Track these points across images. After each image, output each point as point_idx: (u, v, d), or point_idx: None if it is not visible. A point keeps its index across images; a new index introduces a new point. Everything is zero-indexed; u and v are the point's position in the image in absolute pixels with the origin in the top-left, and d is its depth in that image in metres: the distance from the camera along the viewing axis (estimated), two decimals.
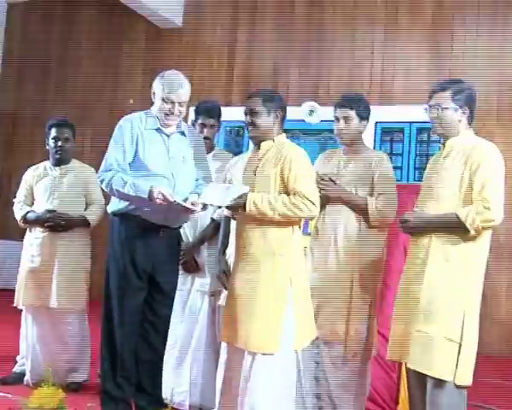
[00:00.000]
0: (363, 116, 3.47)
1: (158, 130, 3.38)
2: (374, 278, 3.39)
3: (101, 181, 3.33)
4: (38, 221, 4.17)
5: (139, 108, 9.02)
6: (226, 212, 3.43)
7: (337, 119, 3.48)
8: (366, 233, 3.33)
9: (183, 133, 3.46)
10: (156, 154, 3.34)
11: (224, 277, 3.40)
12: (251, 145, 3.51)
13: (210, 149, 3.93)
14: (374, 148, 4.93)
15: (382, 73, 7.52)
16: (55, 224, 4.12)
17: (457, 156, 2.95)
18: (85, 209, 4.31)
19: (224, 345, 3.25)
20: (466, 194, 2.90)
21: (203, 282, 3.74)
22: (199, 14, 8.60)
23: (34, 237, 4.21)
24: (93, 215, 4.28)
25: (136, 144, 3.32)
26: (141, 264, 3.32)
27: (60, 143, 4.27)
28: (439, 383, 2.84)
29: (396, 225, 3.24)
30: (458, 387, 2.85)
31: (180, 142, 3.44)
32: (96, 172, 4.31)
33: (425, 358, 2.84)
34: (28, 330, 4.19)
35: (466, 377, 2.84)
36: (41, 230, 4.18)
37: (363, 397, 3.35)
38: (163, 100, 3.33)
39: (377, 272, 3.41)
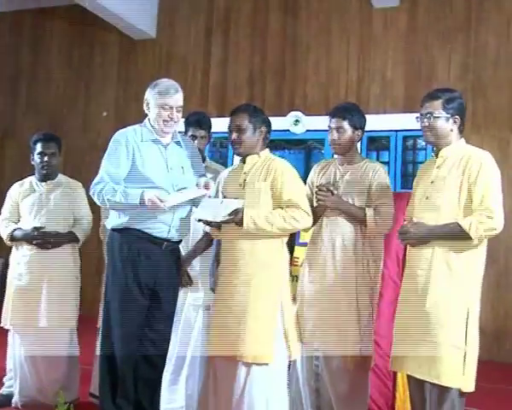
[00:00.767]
0: (357, 126, 3.47)
1: (154, 141, 3.34)
2: (372, 288, 3.39)
3: (93, 194, 3.26)
4: (26, 239, 4.09)
5: (113, 120, 9.09)
6: (207, 228, 3.40)
7: (330, 129, 3.48)
8: (363, 244, 3.33)
9: (178, 143, 3.43)
10: (155, 165, 3.29)
11: None
12: (236, 158, 3.51)
13: (202, 159, 3.89)
14: None
15: (358, 82, 7.59)
16: (44, 241, 4.04)
17: (453, 166, 2.98)
18: (73, 225, 4.22)
19: (207, 358, 3.27)
20: (466, 204, 2.93)
21: (196, 296, 3.70)
22: (173, 25, 8.58)
23: (21, 255, 4.12)
24: (81, 231, 4.20)
25: (133, 158, 3.27)
26: (144, 279, 3.25)
27: (46, 159, 4.18)
28: (444, 391, 2.86)
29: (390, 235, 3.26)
30: (463, 394, 2.88)
31: (177, 152, 3.40)
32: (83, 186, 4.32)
33: (433, 367, 2.86)
34: (16, 350, 4.10)
35: (471, 384, 2.88)
36: (29, 247, 4.09)
37: (363, 407, 3.34)
38: (161, 107, 3.28)
39: (375, 283, 3.42)
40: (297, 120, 6.35)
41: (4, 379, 4.24)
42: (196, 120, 3.89)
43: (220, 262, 3.30)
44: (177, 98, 3.29)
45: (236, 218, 3.08)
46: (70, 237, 4.15)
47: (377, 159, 4.97)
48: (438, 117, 3.01)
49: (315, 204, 3.49)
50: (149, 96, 3.33)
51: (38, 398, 4.09)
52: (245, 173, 3.26)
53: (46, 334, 4.03)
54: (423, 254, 2.99)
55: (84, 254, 4.45)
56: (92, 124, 8.93)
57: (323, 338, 3.34)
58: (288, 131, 6.17)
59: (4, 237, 4.18)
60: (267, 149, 3.35)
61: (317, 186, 3.49)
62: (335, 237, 3.39)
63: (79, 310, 4.23)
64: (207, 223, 3.24)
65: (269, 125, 3.37)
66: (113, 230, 3.34)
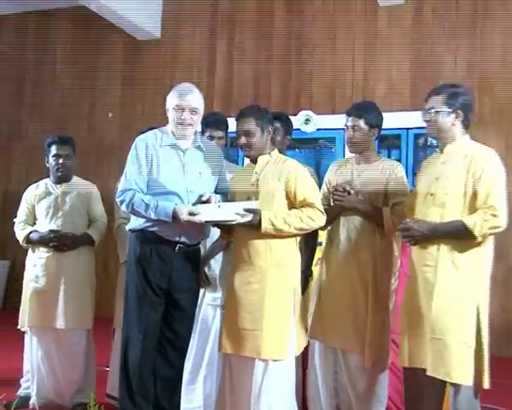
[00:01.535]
0: (373, 124, 3.48)
1: (173, 146, 3.34)
2: (388, 286, 3.40)
3: (122, 202, 3.28)
4: (42, 241, 4.10)
5: (118, 121, 9.10)
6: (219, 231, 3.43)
7: (347, 128, 3.49)
8: (381, 242, 3.34)
9: (199, 148, 3.42)
10: (171, 170, 3.30)
11: None
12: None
13: None
14: None
15: (364, 80, 7.60)
16: (60, 244, 4.06)
17: (458, 163, 3.00)
18: (88, 226, 4.24)
19: (218, 356, 3.35)
20: (471, 201, 2.96)
21: (214, 296, 3.71)
22: (177, 25, 8.57)
23: (38, 258, 4.14)
24: (97, 233, 4.23)
25: (151, 163, 3.29)
26: (155, 280, 3.27)
27: (61, 161, 4.21)
28: (458, 387, 2.89)
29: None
30: (477, 390, 2.90)
31: (196, 157, 3.39)
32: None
33: (443, 364, 2.88)
34: (33, 352, 4.11)
35: (485, 380, 2.89)
36: (45, 250, 4.11)
37: (382, 406, 3.35)
38: (174, 109, 3.31)
39: (391, 282, 3.43)
40: (307, 119, 6.34)
41: (21, 381, 4.25)
42: (214, 121, 3.89)
43: (234, 259, 3.32)
44: (190, 99, 3.30)
45: (254, 220, 3.10)
46: (86, 239, 4.18)
47: (388, 157, 4.99)
48: (439, 112, 3.04)
49: (332, 203, 3.50)
50: (168, 101, 3.37)
51: (56, 400, 4.12)
52: (257, 173, 3.28)
53: (63, 335, 4.06)
54: (429, 250, 3.01)
55: (96, 255, 4.45)
56: (97, 125, 8.93)
57: (342, 337, 3.37)
58: (299, 130, 6.15)
59: (21, 239, 4.19)
60: (276, 149, 3.38)
61: (333, 186, 3.51)
62: (352, 237, 3.40)
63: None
64: (221, 225, 3.27)
65: (273, 124, 3.40)
66: (131, 231, 3.40)
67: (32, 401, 4.09)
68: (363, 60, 7.63)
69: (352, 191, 3.41)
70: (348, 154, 3.80)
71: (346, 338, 3.36)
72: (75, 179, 4.34)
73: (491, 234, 2.91)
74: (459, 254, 2.93)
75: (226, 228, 3.29)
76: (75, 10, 8.89)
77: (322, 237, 3.68)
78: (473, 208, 2.93)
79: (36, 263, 4.14)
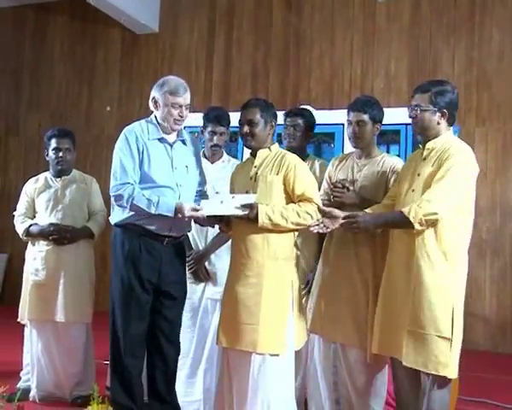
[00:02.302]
0: (377, 119, 3.48)
1: (161, 140, 3.37)
2: None
3: (119, 196, 3.25)
4: (42, 234, 4.10)
5: (116, 115, 9.09)
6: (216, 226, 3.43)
7: (350, 123, 3.48)
8: (380, 237, 3.33)
9: (183, 141, 3.47)
10: (161, 164, 3.33)
11: None
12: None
13: (220, 156, 3.94)
14: None
15: (362, 76, 7.61)
16: (60, 237, 4.06)
17: (433, 159, 3.05)
18: (88, 220, 4.25)
19: (218, 350, 3.35)
20: None
21: (214, 290, 3.71)
22: (175, 19, 8.57)
23: (38, 251, 4.14)
24: (96, 226, 4.23)
25: (142, 155, 3.31)
26: (146, 275, 3.30)
27: (61, 154, 4.20)
28: (433, 378, 2.96)
29: None
30: (447, 380, 2.96)
31: (183, 150, 3.45)
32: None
33: (420, 355, 2.94)
34: (33, 345, 4.12)
35: (454, 372, 2.96)
36: (45, 243, 4.11)
37: (381, 400, 3.37)
38: (171, 106, 3.32)
39: None
40: None
41: (21, 374, 4.26)
42: (215, 116, 3.86)
43: (231, 254, 3.32)
44: (186, 97, 3.35)
45: (251, 214, 3.10)
46: (85, 233, 4.18)
47: (387, 152, 5.00)
48: (425, 110, 3.07)
49: (332, 199, 3.49)
50: (157, 94, 3.35)
51: (56, 392, 4.14)
52: (256, 167, 3.28)
53: (63, 329, 4.07)
54: (404, 242, 3.05)
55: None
56: (95, 119, 8.93)
57: (342, 332, 3.37)
58: None
59: (20, 232, 4.19)
60: (277, 144, 3.38)
61: (332, 183, 3.51)
62: (352, 232, 3.36)
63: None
64: (218, 218, 3.26)
65: (276, 119, 3.39)
66: (117, 225, 3.38)
67: (32, 393, 4.10)
68: (361, 55, 7.64)
69: (351, 188, 3.41)
70: (347, 149, 3.79)
71: (346, 333, 3.36)
72: (75, 173, 4.33)
73: (428, 221, 2.90)
74: (434, 247, 2.95)
75: (225, 221, 3.29)
76: (73, 4, 8.89)
77: None
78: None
79: (36, 256, 4.14)
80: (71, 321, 4.06)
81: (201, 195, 3.50)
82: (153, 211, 3.20)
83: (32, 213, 4.24)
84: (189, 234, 3.68)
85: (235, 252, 3.27)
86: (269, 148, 3.30)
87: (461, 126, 6.78)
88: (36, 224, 4.16)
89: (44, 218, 4.15)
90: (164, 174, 3.31)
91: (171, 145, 3.39)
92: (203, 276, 3.73)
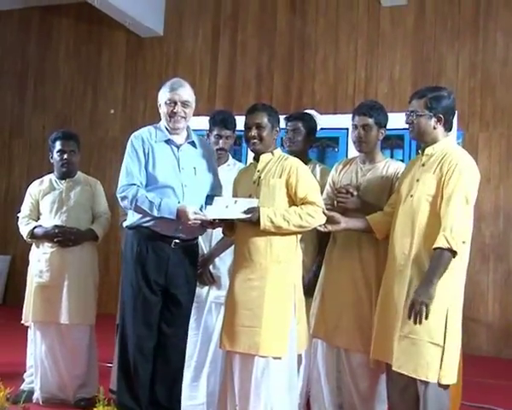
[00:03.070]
0: (382, 124, 3.48)
1: (168, 141, 3.41)
2: None
3: (124, 197, 3.31)
4: (47, 236, 4.11)
5: (120, 117, 9.12)
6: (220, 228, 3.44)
7: (355, 127, 3.47)
8: (383, 242, 3.31)
9: (193, 144, 3.48)
10: (166, 165, 3.36)
11: None
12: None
13: (226, 159, 3.94)
14: None
15: (366, 80, 7.62)
16: (65, 239, 4.07)
17: (432, 165, 3.04)
18: (92, 222, 4.26)
19: (222, 353, 3.33)
20: (439, 205, 2.98)
21: (219, 294, 3.71)
22: (180, 22, 8.60)
23: (42, 253, 4.14)
24: (100, 229, 4.24)
25: (147, 157, 3.35)
26: (153, 276, 3.32)
27: (66, 156, 4.21)
28: (426, 384, 2.93)
29: None
30: (443, 386, 2.93)
31: (191, 153, 3.46)
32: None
33: (411, 361, 2.92)
34: (37, 347, 4.12)
35: (450, 377, 2.93)
36: (49, 245, 4.11)
37: (383, 404, 3.36)
38: (166, 103, 3.37)
39: None
40: None
41: (24, 375, 4.26)
42: (221, 120, 3.86)
43: (234, 257, 3.34)
44: (181, 93, 3.36)
45: (253, 217, 3.11)
46: (90, 235, 4.19)
47: (391, 157, 4.99)
48: (420, 115, 3.07)
49: (335, 203, 3.49)
50: (159, 96, 3.43)
51: (59, 395, 4.14)
52: (259, 171, 3.29)
53: (66, 331, 4.07)
54: (401, 248, 3.05)
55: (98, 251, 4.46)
56: (100, 121, 8.96)
57: (345, 335, 3.36)
58: None
59: (25, 234, 4.19)
60: (279, 148, 3.40)
61: (336, 188, 3.50)
62: (355, 236, 3.38)
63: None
64: (221, 221, 3.28)
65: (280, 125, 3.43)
66: (128, 228, 3.44)
67: (36, 395, 4.10)
68: (365, 59, 7.65)
69: (354, 193, 3.41)
70: (351, 153, 3.79)
71: (349, 337, 3.35)
72: (79, 175, 4.35)
73: (465, 241, 2.92)
74: (430, 253, 2.94)
75: (228, 225, 3.31)
76: (78, 6, 8.91)
77: None
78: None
79: (40, 258, 4.14)
80: (74, 323, 4.06)
81: (211, 199, 3.45)
82: (155, 213, 3.23)
83: (36, 215, 4.25)
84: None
85: (238, 255, 3.27)
86: (272, 152, 3.32)
87: (464, 131, 6.78)
88: (40, 226, 4.16)
89: (49, 220, 4.15)
90: (168, 174, 3.33)
91: (178, 147, 3.41)
92: (208, 279, 3.73)
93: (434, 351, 2.88)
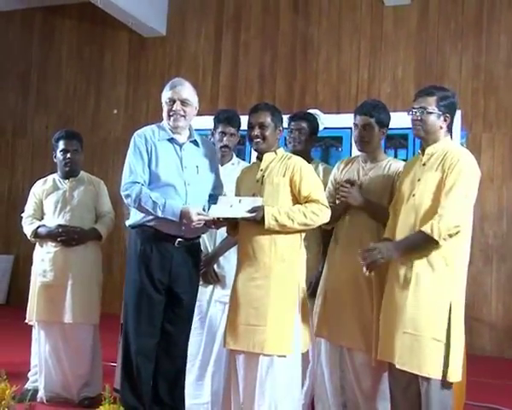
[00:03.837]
0: (383, 124, 3.47)
1: (170, 140, 3.42)
2: None
3: (127, 196, 3.32)
4: (50, 236, 4.11)
5: (123, 117, 9.12)
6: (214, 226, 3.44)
7: (357, 126, 3.47)
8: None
9: (196, 143, 3.50)
10: (169, 164, 3.38)
11: None
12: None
13: (230, 158, 3.95)
14: None
15: (369, 80, 7.61)
16: (68, 238, 4.07)
17: (434, 164, 3.05)
18: (96, 221, 4.27)
19: (226, 352, 3.33)
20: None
21: (223, 293, 3.71)
22: (183, 22, 8.60)
23: (46, 252, 4.15)
24: (104, 228, 4.24)
25: (150, 156, 3.36)
26: (157, 275, 3.33)
27: (69, 156, 4.22)
28: (429, 381, 2.93)
29: None
30: (447, 384, 2.93)
31: (193, 151, 3.48)
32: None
33: (414, 358, 2.92)
34: (41, 346, 4.13)
35: (455, 374, 2.93)
36: (53, 244, 4.12)
37: (387, 403, 3.36)
38: (165, 102, 3.40)
39: None
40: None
41: (29, 375, 4.27)
42: (226, 117, 3.88)
43: (238, 256, 3.33)
44: (180, 91, 3.38)
45: (258, 216, 3.11)
46: (93, 234, 4.19)
47: (395, 157, 4.99)
48: (430, 113, 3.07)
49: (337, 201, 3.50)
50: (162, 97, 3.46)
51: (63, 394, 4.15)
52: (262, 170, 3.30)
53: (70, 330, 4.08)
54: None
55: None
56: (102, 121, 8.96)
57: (347, 335, 3.36)
58: None
59: (29, 233, 4.19)
60: (282, 148, 3.41)
61: (338, 183, 3.52)
62: (357, 235, 3.40)
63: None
64: (225, 220, 3.28)
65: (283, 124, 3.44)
66: (131, 227, 3.45)
67: (40, 394, 4.11)
68: (368, 59, 7.65)
69: (358, 182, 3.43)
70: (354, 153, 3.79)
71: (352, 336, 3.35)
72: (83, 174, 4.36)
73: (451, 235, 2.91)
74: (434, 252, 2.95)
75: (232, 224, 3.32)
76: (81, 6, 8.92)
77: None
78: None
79: (44, 258, 4.15)
80: (78, 322, 4.06)
81: (214, 199, 3.47)
82: (159, 214, 3.24)
83: (40, 214, 4.25)
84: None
85: (242, 254, 3.28)
86: (275, 151, 3.33)
87: (468, 132, 6.78)
88: (44, 225, 4.17)
89: (53, 219, 4.16)
90: (171, 173, 3.35)
91: (181, 146, 3.43)
92: (212, 278, 3.73)
93: (437, 347, 2.89)
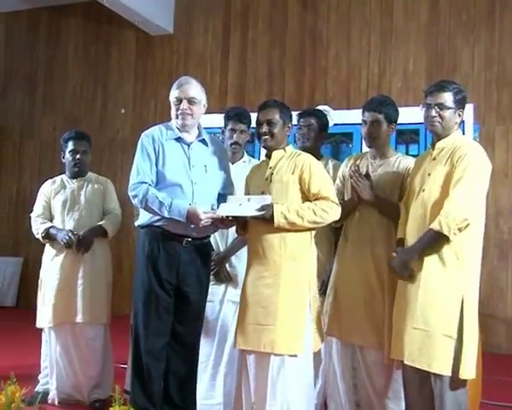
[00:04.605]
0: (392, 119, 3.44)
1: (178, 139, 3.41)
2: None
3: (134, 196, 3.31)
4: (59, 240, 4.11)
5: (131, 117, 9.10)
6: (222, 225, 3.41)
7: (365, 122, 3.45)
8: (396, 238, 3.26)
9: (204, 142, 3.47)
10: (176, 163, 3.36)
11: None
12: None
13: (241, 156, 3.92)
14: None
15: (379, 75, 7.54)
16: (78, 249, 4.06)
17: (443, 158, 3.02)
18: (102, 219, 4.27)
19: (237, 352, 3.30)
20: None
21: (235, 292, 3.66)
22: (190, 20, 8.56)
23: (55, 254, 4.15)
24: (109, 224, 4.22)
25: (158, 155, 3.35)
26: (164, 275, 3.31)
27: (78, 156, 4.24)
28: (442, 379, 2.89)
29: None
30: (461, 382, 2.89)
31: (202, 151, 3.46)
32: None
33: (423, 355, 2.89)
34: (52, 348, 4.12)
35: (468, 371, 2.88)
36: (61, 245, 4.10)
37: (401, 402, 3.31)
38: (172, 102, 3.39)
39: None
40: None
41: (39, 377, 4.25)
42: (236, 114, 3.87)
43: (248, 254, 3.32)
44: (187, 89, 3.36)
45: (267, 214, 3.09)
46: (98, 231, 4.16)
47: (406, 152, 4.95)
48: (448, 108, 3.04)
49: (346, 197, 3.51)
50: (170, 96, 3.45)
51: (74, 395, 4.15)
52: (271, 168, 3.28)
53: (80, 330, 4.08)
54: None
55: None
56: (110, 121, 8.93)
57: (359, 333, 3.33)
58: None
59: (40, 232, 4.17)
60: (291, 145, 3.40)
61: (350, 167, 3.50)
62: (368, 232, 3.37)
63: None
64: (234, 219, 3.25)
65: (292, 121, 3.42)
66: (140, 227, 3.45)
67: (52, 395, 4.10)
68: (378, 54, 7.58)
69: (370, 177, 3.41)
70: (365, 149, 3.77)
71: (364, 334, 3.32)
72: (90, 175, 4.37)
73: (461, 228, 2.87)
74: (444, 247, 2.92)
75: (241, 223, 3.29)
76: (87, 6, 8.90)
77: None
78: None
79: (53, 258, 4.15)
80: (88, 322, 4.06)
81: (224, 198, 3.45)
82: (165, 214, 3.23)
83: (48, 214, 4.25)
84: (211, 236, 3.65)
85: (252, 253, 3.26)
86: (284, 149, 3.31)
87: (481, 125, 6.68)
88: (55, 227, 4.16)
89: (61, 219, 4.17)
90: (177, 172, 3.33)
91: (189, 145, 3.41)
92: (225, 277, 3.72)
93: (448, 344, 2.85)
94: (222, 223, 3.29)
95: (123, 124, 8.80)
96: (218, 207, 3.32)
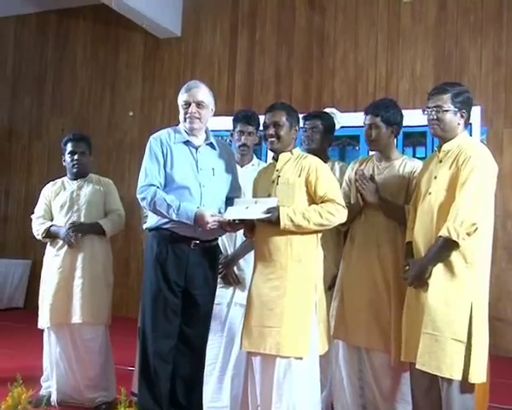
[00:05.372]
0: (391, 122, 3.44)
1: (186, 143, 3.42)
2: None
3: (143, 198, 3.33)
4: (59, 235, 4.14)
5: (139, 119, 9.11)
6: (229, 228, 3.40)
7: (365, 126, 3.47)
8: (402, 240, 3.28)
9: (212, 145, 3.48)
10: (184, 166, 3.37)
11: None
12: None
13: (250, 159, 3.94)
14: None
15: (387, 77, 7.52)
16: (74, 231, 4.07)
17: (449, 161, 3.02)
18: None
19: (244, 354, 3.30)
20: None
21: (243, 295, 3.64)
22: (198, 22, 8.56)
23: (54, 254, 4.18)
24: (108, 223, 4.22)
25: (166, 158, 3.36)
26: (173, 277, 3.32)
27: (76, 157, 4.27)
28: (450, 382, 2.89)
29: None
30: (469, 386, 2.89)
31: (210, 154, 3.47)
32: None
33: (433, 359, 2.88)
34: (52, 349, 4.14)
35: (478, 375, 2.87)
36: (61, 245, 4.15)
37: (407, 404, 3.31)
38: (181, 105, 3.41)
39: None
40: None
41: (41, 380, 4.25)
42: (244, 116, 3.89)
43: (254, 257, 3.32)
44: (195, 93, 3.38)
45: (273, 217, 3.10)
46: (95, 229, 4.17)
47: (413, 155, 4.93)
48: (447, 110, 3.04)
49: (352, 200, 3.51)
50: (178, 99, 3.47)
51: (74, 395, 4.15)
52: (277, 170, 3.29)
53: (78, 331, 4.08)
54: (424, 247, 3.01)
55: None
56: (118, 123, 8.95)
57: (365, 335, 3.34)
58: None
59: (40, 232, 4.20)
60: (298, 147, 3.40)
61: (356, 172, 3.51)
62: (374, 235, 3.38)
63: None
64: (241, 222, 3.25)
65: (299, 124, 3.43)
66: (148, 229, 3.46)
67: (53, 397, 4.10)
68: (385, 56, 7.55)
69: (376, 180, 3.41)
70: (372, 152, 3.78)
71: (370, 336, 3.33)
72: (91, 176, 4.38)
73: (469, 233, 2.87)
74: (455, 252, 2.91)
75: (249, 226, 3.29)
76: (95, 9, 8.91)
77: None
78: None
79: (52, 259, 4.18)
80: (87, 322, 4.06)
81: (231, 201, 3.45)
82: (173, 217, 3.24)
83: (49, 215, 4.28)
84: (219, 239, 3.66)
85: (259, 255, 3.27)
86: (291, 151, 3.32)
87: (488, 127, 6.66)
88: (54, 225, 4.19)
89: (61, 219, 4.19)
90: (186, 175, 3.35)
91: (197, 148, 3.42)
92: (233, 280, 3.73)
93: (458, 348, 2.85)
94: (229, 226, 3.29)
95: (131, 126, 8.81)
96: (225, 210, 3.33)
